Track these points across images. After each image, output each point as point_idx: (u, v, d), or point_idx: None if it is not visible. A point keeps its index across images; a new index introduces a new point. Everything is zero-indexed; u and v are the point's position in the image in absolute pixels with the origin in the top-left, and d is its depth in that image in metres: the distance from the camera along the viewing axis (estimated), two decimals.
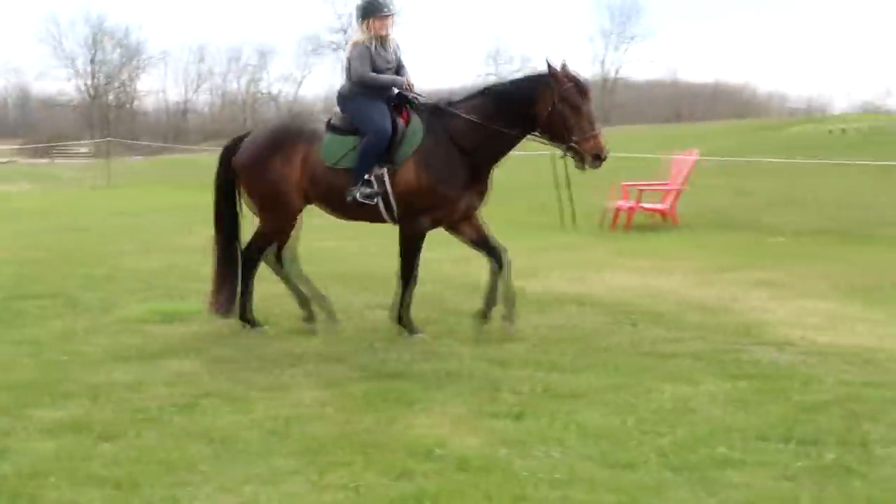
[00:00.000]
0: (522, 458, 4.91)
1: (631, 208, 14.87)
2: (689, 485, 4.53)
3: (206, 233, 14.92)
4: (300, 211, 7.97)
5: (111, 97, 77.16)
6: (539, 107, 7.20)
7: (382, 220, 7.74)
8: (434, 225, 7.66)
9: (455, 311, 8.54)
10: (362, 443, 5.12)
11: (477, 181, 7.56)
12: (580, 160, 7.19)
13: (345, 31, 79.65)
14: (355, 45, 7.70)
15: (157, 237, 14.77)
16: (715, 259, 11.14)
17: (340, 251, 12.75)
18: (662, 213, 15.06)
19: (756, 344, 7.26)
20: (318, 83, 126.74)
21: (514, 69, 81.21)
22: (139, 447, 5.10)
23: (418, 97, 7.72)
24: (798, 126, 46.43)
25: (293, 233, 8.18)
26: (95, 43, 75.41)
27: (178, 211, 19.49)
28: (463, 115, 7.44)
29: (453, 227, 7.82)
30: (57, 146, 52.54)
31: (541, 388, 6.10)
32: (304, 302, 8.13)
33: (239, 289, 8.05)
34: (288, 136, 7.83)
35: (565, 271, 10.64)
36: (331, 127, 7.76)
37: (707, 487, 4.51)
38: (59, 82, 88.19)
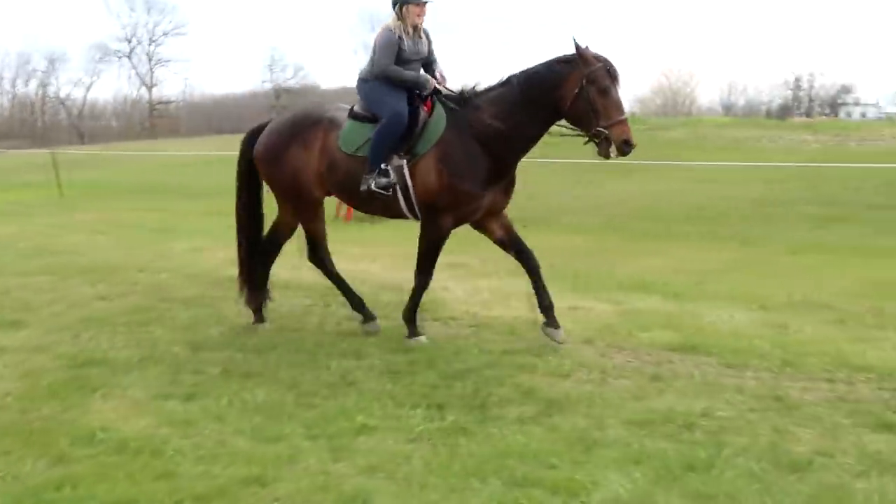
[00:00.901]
0: (181, 437, 4.70)
1: None
2: (321, 452, 4.47)
3: None
4: (321, 200, 7.01)
5: None
6: (565, 89, 6.05)
7: (402, 216, 6.69)
8: (458, 223, 6.59)
9: (169, 299, 8.17)
10: (30, 431, 4.76)
11: (501, 176, 6.46)
12: (606, 147, 5.97)
13: (129, 41, 76.29)
14: (384, 30, 6.55)
15: None
16: (416, 246, 11.17)
17: (87, 244, 12.06)
18: None
19: (429, 320, 7.31)
20: (107, 88, 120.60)
21: (288, 77, 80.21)
22: None
23: (444, 92, 6.58)
24: None
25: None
26: None
27: None
28: (486, 105, 6.34)
29: (480, 225, 6.78)
30: None
31: (220, 369, 5.89)
32: (357, 304, 7.21)
33: (251, 277, 7.31)
34: (307, 123, 6.83)
35: (286, 258, 10.37)
36: (353, 115, 6.71)
37: (336, 454, 4.45)
38: None
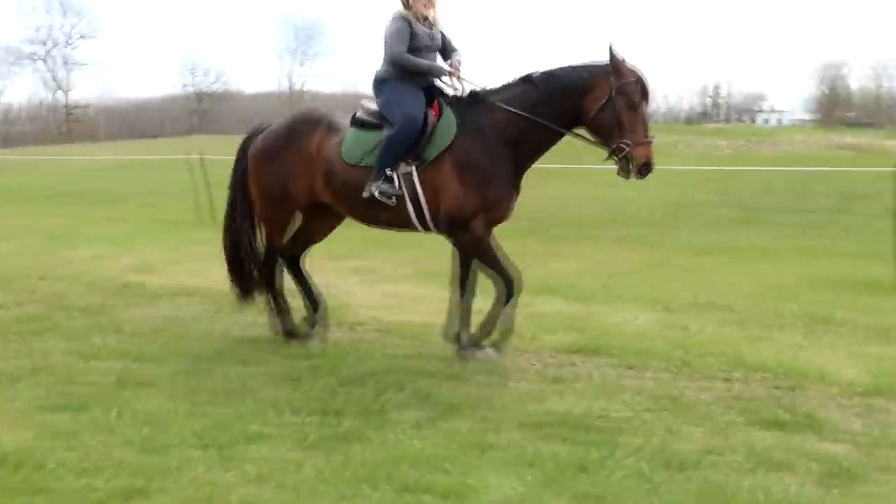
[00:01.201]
0: (65, 449, 4.52)
1: None
2: (210, 462, 4.35)
3: None
4: (302, 207, 6.57)
5: None
6: (592, 97, 5.68)
7: (411, 227, 6.22)
8: (490, 226, 6.14)
9: (68, 307, 7.90)
10: None
11: (517, 178, 6.08)
12: (626, 165, 5.66)
13: (44, 44, 74.34)
14: (394, 18, 6.10)
15: None
16: (327, 249, 11.04)
17: None
18: None
19: (333, 324, 7.22)
20: (21, 91, 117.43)
21: (209, 82, 79.10)
22: None
23: (459, 83, 6.13)
24: None
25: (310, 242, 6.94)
26: None
27: None
28: (501, 105, 5.92)
29: None
30: None
31: (114, 379, 5.71)
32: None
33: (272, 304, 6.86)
34: (304, 127, 6.43)
35: (192, 265, 10.24)
36: (355, 122, 6.26)
37: (226, 463, 4.34)
38: None
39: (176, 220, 14.91)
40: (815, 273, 9.62)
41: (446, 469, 4.23)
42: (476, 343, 6.27)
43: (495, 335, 6.23)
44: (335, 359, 6.14)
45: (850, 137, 31.33)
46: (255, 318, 7.44)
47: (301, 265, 6.98)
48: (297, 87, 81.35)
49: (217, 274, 9.49)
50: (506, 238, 12.33)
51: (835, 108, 73.55)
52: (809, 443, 4.62)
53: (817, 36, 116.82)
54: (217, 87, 79.77)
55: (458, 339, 6.28)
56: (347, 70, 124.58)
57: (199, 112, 76.20)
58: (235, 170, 6.89)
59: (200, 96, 78.53)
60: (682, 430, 4.78)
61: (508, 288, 6.12)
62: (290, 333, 6.73)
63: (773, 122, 76.19)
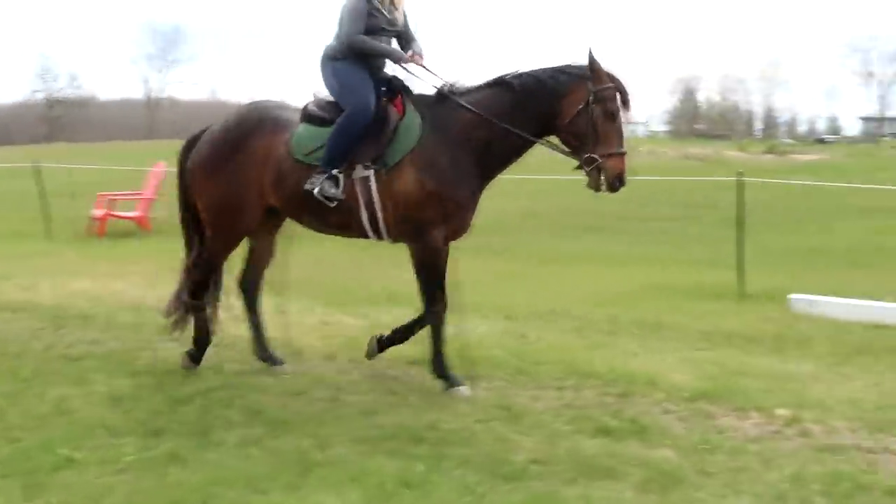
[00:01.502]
0: None
1: (103, 216, 14.11)
2: (11, 491, 4.08)
3: None
4: (257, 222, 5.89)
5: None
6: (567, 102, 5.29)
7: (363, 234, 5.69)
8: (449, 238, 5.72)
9: None
10: None
11: (481, 187, 5.65)
12: (597, 178, 5.30)
13: None
14: None
15: None
16: (174, 262, 10.70)
17: None
18: (136, 220, 14.40)
19: (173, 340, 6.92)
20: None
21: (60, 87, 75.95)
22: None
23: (420, 70, 5.67)
24: None
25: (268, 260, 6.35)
26: None
27: None
28: (468, 107, 5.47)
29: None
30: None
31: None
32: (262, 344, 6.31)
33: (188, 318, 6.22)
34: (247, 128, 5.77)
35: (23, 279, 9.68)
36: (306, 116, 5.69)
37: (29, 492, 4.08)
38: None
39: (11, 231, 14.16)
40: (658, 280, 9.89)
41: (265, 489, 4.08)
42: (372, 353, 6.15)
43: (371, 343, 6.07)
44: (163, 377, 5.90)
45: (697, 148, 32.65)
46: (86, 334, 7.10)
47: (258, 299, 6.50)
48: (157, 94, 79.10)
49: (48, 289, 9.09)
50: (351, 246, 12.25)
51: (687, 120, 76.63)
52: (633, 449, 4.66)
53: (676, 49, 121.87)
54: (70, 93, 76.62)
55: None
56: (210, 78, 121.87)
57: (50, 119, 73.00)
58: (180, 180, 6.23)
59: (52, 102, 75.22)
60: (511, 439, 4.77)
61: (425, 316, 5.87)
62: (195, 359, 6.21)
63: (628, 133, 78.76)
